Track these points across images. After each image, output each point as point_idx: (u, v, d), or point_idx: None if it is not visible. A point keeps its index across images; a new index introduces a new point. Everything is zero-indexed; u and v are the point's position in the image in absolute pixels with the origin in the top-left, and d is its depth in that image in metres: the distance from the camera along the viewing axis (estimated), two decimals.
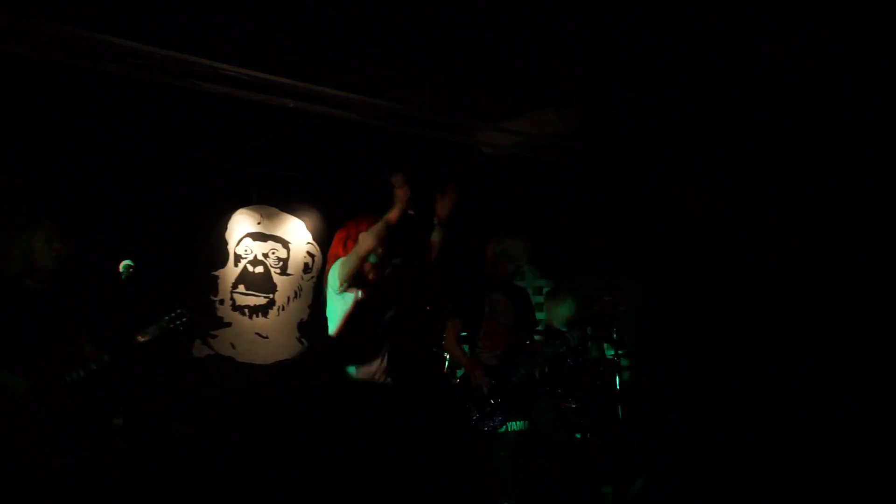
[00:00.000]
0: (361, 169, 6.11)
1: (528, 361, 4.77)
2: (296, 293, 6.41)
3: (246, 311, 6.12)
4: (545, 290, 7.03)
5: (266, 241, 6.29)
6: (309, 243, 6.55)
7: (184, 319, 4.09)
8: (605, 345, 5.29)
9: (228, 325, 6.01)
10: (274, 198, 6.35)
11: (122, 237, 5.03)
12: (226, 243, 6.08)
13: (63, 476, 3.72)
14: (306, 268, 6.51)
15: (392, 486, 0.80)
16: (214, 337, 5.94)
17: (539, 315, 5.96)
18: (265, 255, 6.27)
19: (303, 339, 6.41)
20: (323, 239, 6.61)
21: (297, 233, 6.49)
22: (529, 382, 4.77)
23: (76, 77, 3.88)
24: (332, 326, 3.93)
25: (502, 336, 4.79)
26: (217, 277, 6.01)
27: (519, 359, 4.79)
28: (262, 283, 6.23)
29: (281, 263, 6.36)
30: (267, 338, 6.21)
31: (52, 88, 4.31)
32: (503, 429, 5.07)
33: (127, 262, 3.93)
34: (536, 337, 5.06)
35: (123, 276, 3.91)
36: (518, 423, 5.06)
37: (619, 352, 4.99)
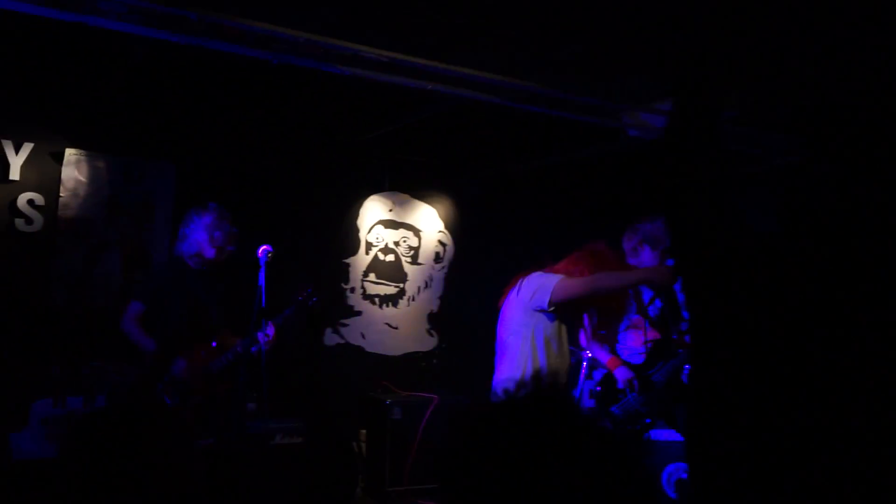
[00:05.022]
0: (495, 155, 5.92)
1: (674, 359, 4.45)
2: (426, 283, 6.30)
3: (376, 300, 6.06)
4: None
5: (397, 229, 6.20)
6: (440, 232, 6.40)
7: (314, 299, 4.28)
8: None
9: (359, 313, 5.98)
10: (406, 184, 6.25)
11: (259, 223, 5.07)
12: (357, 230, 6.04)
13: (203, 453, 3.83)
14: (437, 257, 6.38)
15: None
16: (345, 325, 5.92)
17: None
18: (396, 244, 6.19)
19: (433, 332, 6.29)
20: (455, 227, 6.46)
21: (429, 221, 6.36)
22: (676, 382, 4.44)
23: (216, 64, 3.90)
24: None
25: (646, 331, 4.50)
26: (348, 265, 5.98)
27: (665, 356, 4.48)
28: (392, 271, 6.15)
29: (412, 252, 6.25)
30: (397, 328, 6.13)
31: (193, 77, 4.38)
32: (647, 435, 4.77)
33: (267, 247, 3.98)
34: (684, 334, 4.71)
35: (264, 261, 3.95)
36: (666, 430, 4.76)
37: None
